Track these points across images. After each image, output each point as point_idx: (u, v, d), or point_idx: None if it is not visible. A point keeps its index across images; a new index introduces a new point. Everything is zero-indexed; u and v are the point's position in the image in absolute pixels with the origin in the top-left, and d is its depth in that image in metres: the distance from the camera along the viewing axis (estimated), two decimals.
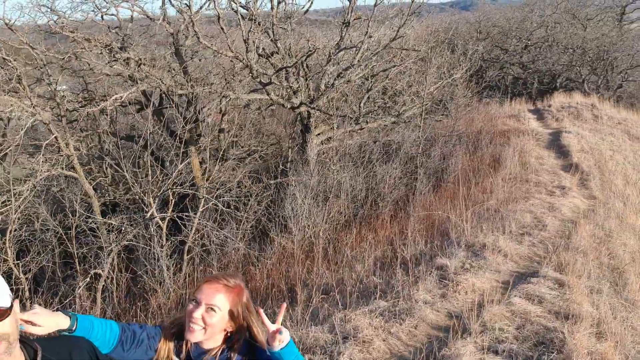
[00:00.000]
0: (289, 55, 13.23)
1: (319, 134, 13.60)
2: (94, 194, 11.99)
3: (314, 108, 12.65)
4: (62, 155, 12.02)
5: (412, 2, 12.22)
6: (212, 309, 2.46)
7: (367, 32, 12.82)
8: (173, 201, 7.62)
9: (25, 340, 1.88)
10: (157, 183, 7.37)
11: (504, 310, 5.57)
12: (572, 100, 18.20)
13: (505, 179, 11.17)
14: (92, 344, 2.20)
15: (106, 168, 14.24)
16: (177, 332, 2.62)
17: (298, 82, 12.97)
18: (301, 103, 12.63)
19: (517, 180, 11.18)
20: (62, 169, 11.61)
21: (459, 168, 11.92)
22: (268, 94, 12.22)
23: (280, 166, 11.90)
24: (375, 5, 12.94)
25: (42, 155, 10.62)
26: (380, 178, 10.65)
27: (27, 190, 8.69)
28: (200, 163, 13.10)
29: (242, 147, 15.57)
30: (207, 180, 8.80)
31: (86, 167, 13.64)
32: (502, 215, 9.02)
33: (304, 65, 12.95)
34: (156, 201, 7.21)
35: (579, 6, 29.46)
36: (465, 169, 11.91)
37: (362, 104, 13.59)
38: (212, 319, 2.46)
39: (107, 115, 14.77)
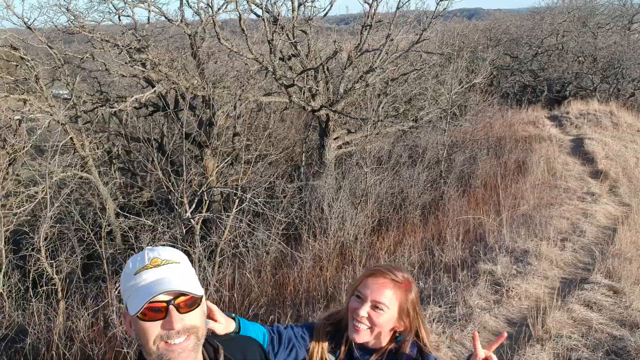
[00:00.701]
0: (307, 58, 13.05)
1: (336, 138, 13.40)
2: (108, 196, 11.77)
3: (335, 111, 12.45)
4: (77, 157, 11.83)
5: (437, 4, 12.04)
6: (379, 306, 2.19)
7: (388, 34, 12.64)
8: (207, 202, 7.37)
9: (206, 338, 1.65)
10: (192, 183, 7.13)
11: (565, 317, 5.34)
12: (589, 108, 18.04)
13: (533, 184, 10.98)
14: (262, 345, 1.97)
15: (115, 170, 14.03)
16: (333, 329, 2.37)
17: (318, 85, 12.78)
18: (322, 106, 12.42)
19: (546, 186, 10.98)
20: (79, 170, 11.42)
21: (485, 173, 11.72)
22: (290, 96, 12.02)
23: (303, 169, 11.67)
24: (397, 8, 12.78)
25: (58, 155, 10.36)
26: (407, 182, 10.44)
27: (43, 191, 8.49)
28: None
29: (256, 150, 15.37)
30: (240, 180, 8.56)
31: (101, 169, 13.45)
32: (537, 221, 8.79)
33: (325, 67, 12.77)
34: (195, 201, 6.98)
35: (589, 15, 29.37)
36: (491, 174, 11.70)
37: (381, 108, 13.42)
38: (379, 318, 2.18)
39: (124, 116, 14.58)
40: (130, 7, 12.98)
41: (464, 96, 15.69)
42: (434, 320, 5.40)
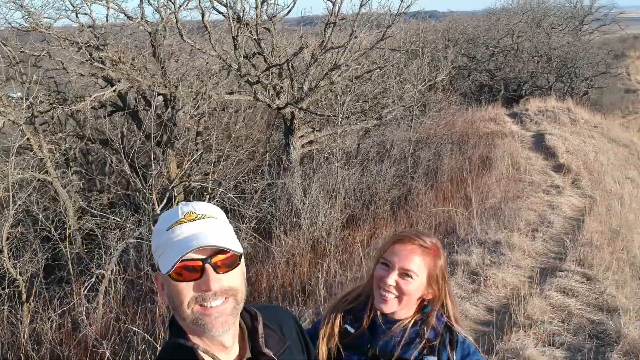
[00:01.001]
0: (272, 56, 12.93)
1: (301, 136, 13.30)
2: (67, 197, 11.37)
3: (301, 108, 12.36)
4: (34, 158, 11.40)
5: (402, 1, 12.10)
6: (407, 274, 2.07)
7: (352, 32, 12.64)
8: (176, 198, 7.18)
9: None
10: (160, 178, 6.93)
11: (544, 304, 5.38)
12: (547, 105, 18.45)
13: (498, 178, 11.13)
14: (295, 317, 1.84)
15: (72, 173, 13.56)
16: (350, 305, 2.25)
17: (282, 83, 12.67)
18: (287, 103, 12.31)
19: (511, 179, 11.14)
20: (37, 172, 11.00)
21: (451, 168, 11.83)
22: (255, 94, 11.87)
23: (269, 168, 11.54)
24: (361, 5, 12.80)
25: (14, 156, 9.94)
26: (376, 177, 10.44)
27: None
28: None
29: (219, 150, 15.11)
30: (212, 175, 8.38)
31: (58, 172, 12.98)
32: (506, 213, 8.90)
33: (290, 65, 12.66)
34: (165, 197, 6.78)
35: (542, 16, 30.15)
36: (456, 169, 11.82)
37: (345, 106, 13.39)
38: (408, 286, 2.05)
39: (82, 117, 14.13)
40: (87, 5, 12.59)
41: (427, 94, 15.82)
42: None
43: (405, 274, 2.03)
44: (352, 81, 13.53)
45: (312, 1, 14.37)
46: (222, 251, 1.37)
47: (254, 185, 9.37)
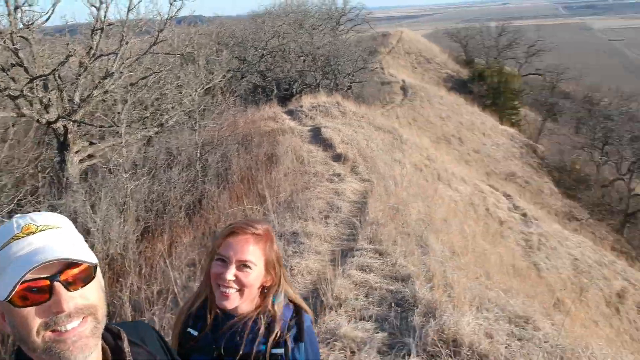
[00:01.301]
0: (34, 66, 11.77)
1: (78, 151, 12.36)
2: None
3: (75, 121, 11.47)
4: None
5: (171, 4, 11.88)
6: (246, 265, 1.98)
7: (123, 38, 12.10)
8: None
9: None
10: None
11: (347, 283, 5.72)
12: (319, 100, 19.60)
13: (286, 173, 11.55)
14: (157, 331, 1.64)
15: None
16: (190, 311, 2.09)
17: (50, 95, 11.62)
18: (59, 117, 11.34)
19: (297, 173, 11.63)
20: None
21: (240, 168, 11.97)
22: (19, 109, 10.71)
23: (43, 187, 10.50)
24: (128, 10, 12.30)
25: None
26: (166, 185, 10.13)
27: None
28: None
29: None
30: None
31: None
32: (298, 204, 9.28)
33: (57, 75, 11.65)
34: None
35: (304, 17, 31.95)
36: (245, 168, 12.01)
37: (122, 115, 12.76)
38: (248, 277, 1.98)
39: None
40: None
41: (206, 98, 15.78)
42: None
43: (243, 265, 2.01)
44: (127, 88, 12.94)
45: (74, 7, 13.36)
46: (73, 264, 1.20)
47: (35, 209, 8.44)
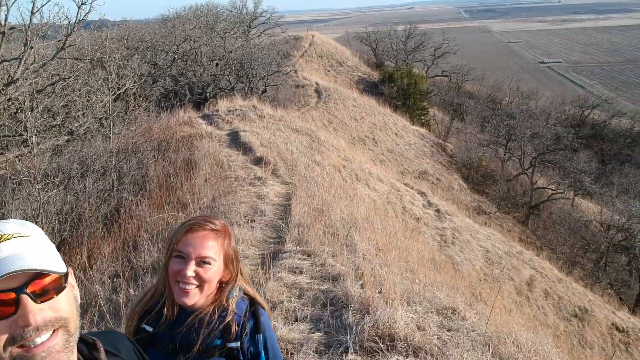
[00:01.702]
0: None
1: None
2: None
3: None
4: None
5: (79, 8, 11.40)
6: (205, 261, 1.94)
7: (27, 42, 11.50)
8: None
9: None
10: None
11: (279, 285, 5.72)
12: (235, 104, 19.44)
13: (206, 178, 11.38)
14: (131, 339, 1.56)
15: None
16: (145, 308, 2.01)
17: None
18: None
19: (218, 178, 11.49)
20: None
21: (157, 175, 11.68)
22: None
23: None
24: (32, 13, 11.69)
25: None
26: (81, 195, 9.71)
27: None
28: None
29: None
30: None
31: None
32: (220, 210, 9.18)
33: None
34: None
35: (215, 21, 31.59)
36: (162, 175, 11.73)
37: (29, 124, 12.10)
38: (208, 273, 1.96)
39: None
40: None
41: (119, 104, 15.28)
42: None
43: (202, 261, 2.00)
44: (33, 95, 12.28)
45: None
46: (40, 275, 1.13)
47: None
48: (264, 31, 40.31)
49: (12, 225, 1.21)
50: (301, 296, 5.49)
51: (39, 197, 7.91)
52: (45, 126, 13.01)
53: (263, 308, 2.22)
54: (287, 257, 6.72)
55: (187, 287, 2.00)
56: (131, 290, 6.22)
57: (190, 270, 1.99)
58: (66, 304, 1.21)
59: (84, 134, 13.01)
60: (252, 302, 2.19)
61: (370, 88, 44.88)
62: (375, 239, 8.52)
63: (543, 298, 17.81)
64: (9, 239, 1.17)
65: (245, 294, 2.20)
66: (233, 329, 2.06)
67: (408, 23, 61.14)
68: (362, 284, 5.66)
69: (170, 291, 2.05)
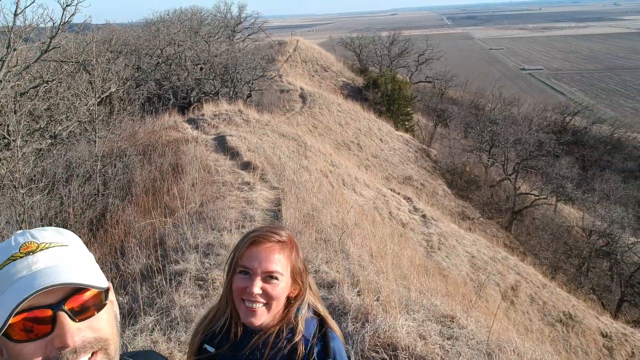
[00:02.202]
0: None
1: None
2: None
3: None
4: None
5: (64, 10, 11.20)
6: (272, 276, 1.79)
7: (10, 44, 11.28)
8: None
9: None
10: None
11: None
12: (221, 109, 19.28)
13: (193, 183, 11.22)
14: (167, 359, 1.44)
15: None
16: (215, 320, 1.89)
17: None
18: None
19: (206, 183, 11.33)
20: None
21: (144, 180, 11.49)
22: None
23: None
24: (15, 15, 11.48)
25: None
26: (66, 200, 9.50)
27: None
28: None
29: None
30: None
31: None
32: (209, 215, 9.04)
33: None
34: None
35: (199, 25, 31.40)
36: (149, 180, 11.54)
37: (10, 128, 11.85)
38: (276, 289, 1.79)
39: None
40: None
41: (104, 107, 15.06)
42: (148, 331, 5.05)
43: (269, 276, 1.84)
44: (16, 98, 12.03)
45: None
46: (80, 290, 1.01)
47: None
48: (248, 36, 40.19)
49: (49, 233, 1.09)
50: None
51: (23, 202, 7.71)
52: (27, 129, 12.75)
53: (334, 331, 2.00)
54: None
55: (254, 305, 1.84)
56: (120, 298, 6.06)
57: (257, 287, 1.82)
58: (106, 323, 1.09)
59: (67, 137, 12.77)
60: (322, 323, 1.99)
61: (355, 93, 44.96)
62: (368, 245, 8.44)
63: (528, 303, 17.88)
64: (46, 248, 1.05)
65: (315, 313, 2.05)
66: (299, 351, 1.88)
67: (391, 29, 61.46)
68: (358, 291, 5.56)
69: (236, 310, 1.90)
